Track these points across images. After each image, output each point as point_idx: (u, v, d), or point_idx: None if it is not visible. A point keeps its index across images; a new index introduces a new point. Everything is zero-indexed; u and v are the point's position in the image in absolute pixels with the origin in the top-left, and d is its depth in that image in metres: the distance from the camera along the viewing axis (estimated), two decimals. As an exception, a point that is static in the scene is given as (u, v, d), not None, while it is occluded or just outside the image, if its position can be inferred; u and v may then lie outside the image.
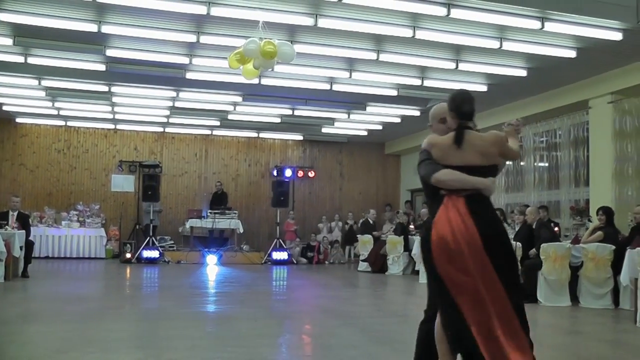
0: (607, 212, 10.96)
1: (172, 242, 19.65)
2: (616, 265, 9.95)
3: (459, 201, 4.21)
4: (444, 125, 4.67)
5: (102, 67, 13.03)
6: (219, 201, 20.06)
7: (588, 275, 10.40)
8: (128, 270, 15.81)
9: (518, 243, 10.95)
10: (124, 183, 20.85)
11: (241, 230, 19.38)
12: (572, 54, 11.46)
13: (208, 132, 21.28)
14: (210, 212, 19.11)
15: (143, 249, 17.85)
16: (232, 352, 6.21)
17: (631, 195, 12.53)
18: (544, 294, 10.44)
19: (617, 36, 10.44)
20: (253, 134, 21.76)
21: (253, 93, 15.50)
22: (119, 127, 20.63)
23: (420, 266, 14.44)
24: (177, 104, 16.81)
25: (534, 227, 11.56)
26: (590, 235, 10.95)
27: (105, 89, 15.13)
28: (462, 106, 4.48)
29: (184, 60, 12.31)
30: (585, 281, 10.45)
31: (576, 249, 10.63)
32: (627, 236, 10.61)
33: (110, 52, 11.89)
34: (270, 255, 18.95)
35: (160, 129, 20.95)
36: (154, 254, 17.88)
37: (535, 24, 9.91)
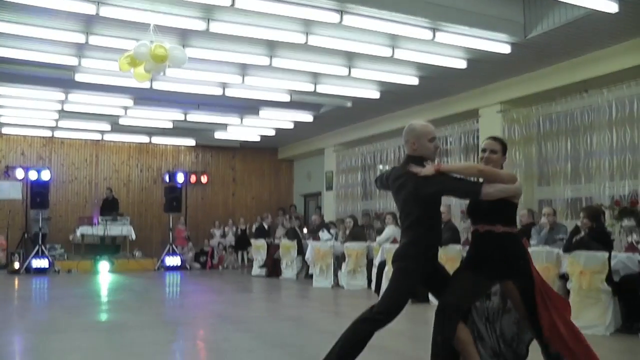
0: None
1: (63, 250, 18.97)
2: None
3: None
4: (432, 144, 4.80)
5: (-15, 67, 12.50)
6: (110, 207, 19.59)
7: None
8: (16, 281, 15.26)
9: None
10: (11, 190, 20.04)
11: (133, 237, 19.06)
12: (462, 64, 11.77)
13: (99, 137, 20.70)
14: (102, 219, 18.67)
15: (32, 258, 17.24)
16: (125, 360, 6.12)
17: (520, 200, 12.95)
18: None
19: (506, 49, 10.81)
20: (145, 139, 21.33)
21: (144, 97, 15.20)
22: (4, 130, 19.76)
23: (313, 269, 14.58)
24: (67, 107, 16.23)
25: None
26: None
27: (-11, 89, 14.50)
28: None
29: (73, 61, 11.86)
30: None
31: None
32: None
33: (-7, 51, 11.41)
34: (163, 261, 18.73)
35: (49, 133, 20.23)
36: (44, 263, 17.30)
37: (427, 34, 10.08)
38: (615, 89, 11.29)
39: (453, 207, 13.43)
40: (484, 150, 4.97)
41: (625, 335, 7.94)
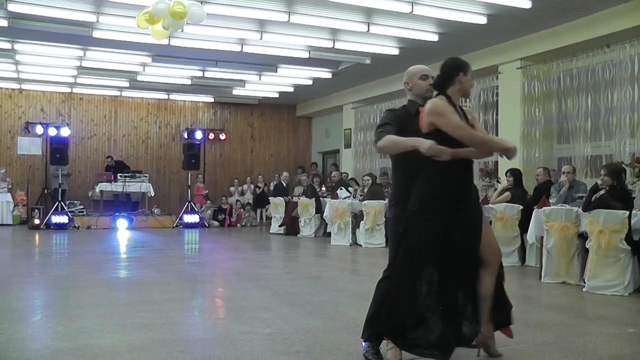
0: (515, 173, 11.27)
1: (82, 206, 19.10)
2: (523, 224, 10.27)
3: None
4: (424, 82, 4.80)
5: (4, 23, 12.41)
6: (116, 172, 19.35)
7: (496, 234, 10.67)
8: (37, 237, 15.43)
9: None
10: (31, 146, 20.20)
11: (152, 194, 19.15)
12: (482, 20, 11.64)
13: (117, 93, 20.79)
14: (121, 176, 18.71)
15: (52, 214, 17.41)
16: (144, 317, 6.16)
17: (539, 157, 12.90)
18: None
19: (527, 4, 10.70)
20: (163, 96, 21.40)
21: (162, 54, 15.20)
22: (24, 87, 19.90)
23: (331, 228, 14.59)
24: (85, 64, 16.29)
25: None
26: (498, 196, 11.29)
27: (8, 46, 14.46)
28: None
29: (91, 18, 11.84)
30: (494, 240, 10.76)
31: (485, 209, 10.86)
32: (532, 196, 10.96)
33: (12, 7, 11.32)
34: (181, 218, 18.82)
35: (68, 90, 20.32)
36: (63, 219, 17.46)
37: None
38: (637, 43, 11.10)
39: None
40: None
41: (645, 295, 7.89)
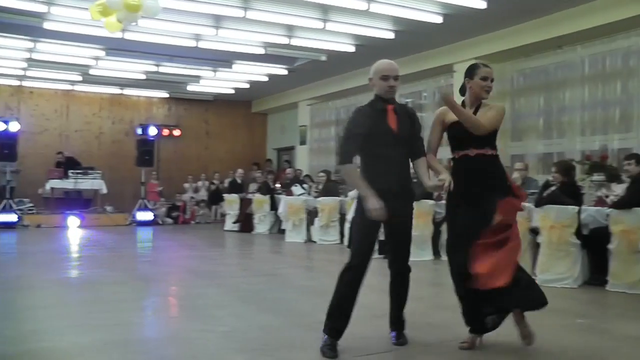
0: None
1: (32, 204, 18.64)
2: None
3: None
4: (385, 83, 4.88)
5: (-52, 12, 12.12)
6: (68, 169, 18.94)
7: (452, 230, 10.83)
8: (-17, 236, 15.11)
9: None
10: (-24, 141, 19.72)
11: (104, 191, 18.88)
12: (438, 19, 11.73)
13: (69, 87, 20.41)
14: (72, 173, 18.40)
15: (-1, 212, 17.08)
16: (97, 318, 6.05)
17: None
18: (411, 250, 10.64)
19: (482, 4, 10.82)
20: (116, 91, 21.08)
21: (116, 47, 14.94)
22: (-31, 79, 19.47)
23: (286, 224, 14.57)
24: (35, 56, 15.90)
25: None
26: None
27: (-49, 35, 14.09)
28: None
29: (42, 8, 11.55)
30: (448, 235, 10.89)
31: (439, 206, 10.94)
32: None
33: (-43, -5, 11.05)
34: (134, 216, 18.62)
35: (17, 82, 19.81)
36: (12, 217, 17.06)
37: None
38: (589, 45, 11.37)
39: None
40: (485, 79, 5.00)
41: (593, 287, 8.14)
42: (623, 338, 5.51)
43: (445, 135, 5.15)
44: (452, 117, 4.95)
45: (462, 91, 5.13)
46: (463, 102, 5.06)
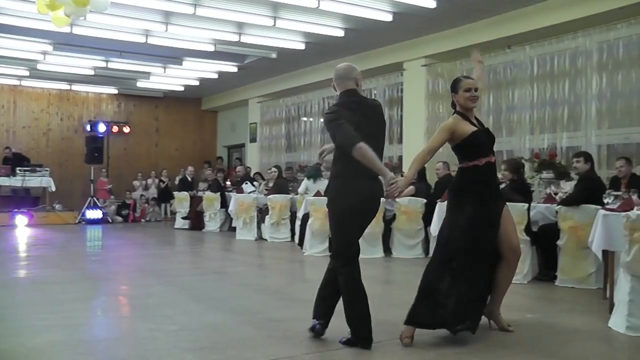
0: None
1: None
2: (427, 217, 10.53)
3: None
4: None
5: None
6: (15, 165, 18.55)
7: (400, 227, 11.04)
8: None
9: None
10: None
11: (53, 189, 18.62)
12: (388, 17, 11.81)
13: (16, 82, 20.00)
14: (20, 170, 18.09)
15: (-59, 211, 16.69)
16: (45, 319, 6.00)
17: (442, 152, 13.10)
18: (360, 247, 10.70)
19: (432, 3, 10.96)
20: (65, 86, 20.77)
21: (64, 42, 14.71)
22: None
23: (237, 222, 14.56)
24: (-21, 50, 15.69)
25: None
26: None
27: None
28: None
29: (-14, 1, 11.41)
30: (398, 233, 11.07)
31: (389, 203, 11.05)
32: (434, 190, 11.23)
33: None
34: (84, 214, 18.41)
35: (-39, 77, 19.49)
36: (-44, 216, 16.77)
37: (353, -15, 10.08)
38: (537, 45, 11.56)
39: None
40: (469, 90, 5.31)
41: (542, 283, 8.33)
42: (572, 332, 5.63)
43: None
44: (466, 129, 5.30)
45: (453, 106, 5.45)
46: (459, 113, 5.42)
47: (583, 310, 6.68)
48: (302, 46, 14.19)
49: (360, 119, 4.91)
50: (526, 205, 8.43)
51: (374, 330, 4.92)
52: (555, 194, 9.16)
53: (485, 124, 5.57)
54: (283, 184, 14.21)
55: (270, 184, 14.50)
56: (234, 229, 14.89)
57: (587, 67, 10.90)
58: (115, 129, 21.67)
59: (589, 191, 8.06)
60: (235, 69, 17.09)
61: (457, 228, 5.20)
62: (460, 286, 5.08)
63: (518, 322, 5.76)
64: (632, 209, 5.78)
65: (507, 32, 11.65)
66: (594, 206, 7.71)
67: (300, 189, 13.13)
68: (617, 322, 5.61)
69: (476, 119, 5.43)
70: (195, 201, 16.98)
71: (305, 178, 13.22)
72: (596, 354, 4.94)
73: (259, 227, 14.24)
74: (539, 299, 7.38)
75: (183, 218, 17.15)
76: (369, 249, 10.51)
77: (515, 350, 4.96)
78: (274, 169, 14.67)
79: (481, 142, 5.32)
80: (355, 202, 4.91)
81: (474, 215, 5.15)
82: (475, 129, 5.28)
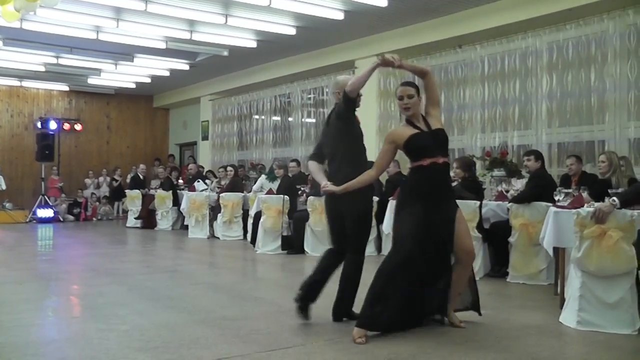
0: (370, 166, 11.52)
1: None
2: (379, 215, 10.59)
3: None
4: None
5: None
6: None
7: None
8: None
9: (285, 196, 11.28)
10: None
11: (3, 187, 18.39)
12: (340, 15, 11.86)
13: (-36, 77, 19.73)
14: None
15: None
16: (-6, 318, 5.96)
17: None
18: (311, 244, 10.72)
19: (383, 2, 11.02)
20: (15, 82, 20.41)
21: (14, 37, 14.46)
22: None
23: (189, 220, 14.51)
24: None
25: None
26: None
27: None
28: None
29: None
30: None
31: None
32: (385, 188, 11.31)
33: None
34: (35, 213, 18.20)
35: None
36: None
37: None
38: (487, 45, 11.73)
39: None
40: (401, 98, 5.43)
41: (494, 279, 8.52)
42: (523, 327, 5.74)
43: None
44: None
45: None
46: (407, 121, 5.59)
47: (534, 306, 6.82)
48: (254, 44, 14.19)
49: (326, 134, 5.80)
50: (478, 202, 8.58)
51: (332, 329, 5.16)
52: (507, 191, 9.33)
53: (440, 124, 5.60)
54: (238, 183, 14.20)
55: (224, 182, 14.47)
56: (187, 227, 14.85)
57: (537, 67, 11.09)
58: (66, 126, 21.37)
59: (540, 189, 8.22)
60: (186, 67, 17.02)
61: (405, 229, 5.28)
62: (412, 287, 5.18)
63: (470, 319, 5.85)
64: (582, 206, 5.94)
65: (458, 32, 11.79)
66: (544, 203, 7.89)
67: (255, 187, 13.16)
68: (568, 317, 5.77)
69: (424, 120, 5.50)
70: (147, 199, 16.89)
71: (264, 176, 13.23)
72: (547, 349, 5.02)
73: (211, 225, 14.23)
74: (491, 295, 7.46)
75: (135, 218, 17.03)
76: (321, 247, 10.47)
77: (468, 347, 5.03)
78: (230, 168, 14.63)
79: (423, 144, 5.39)
80: (370, 205, 5.84)
81: (424, 216, 5.22)
82: (415, 132, 5.39)
